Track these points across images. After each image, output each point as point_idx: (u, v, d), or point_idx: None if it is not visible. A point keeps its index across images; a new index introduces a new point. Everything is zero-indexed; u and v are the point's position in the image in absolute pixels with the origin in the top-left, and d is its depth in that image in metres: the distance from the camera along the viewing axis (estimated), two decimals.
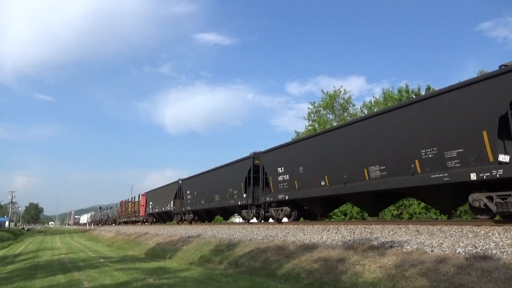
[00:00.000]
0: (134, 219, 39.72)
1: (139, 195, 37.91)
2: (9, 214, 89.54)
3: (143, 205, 35.92)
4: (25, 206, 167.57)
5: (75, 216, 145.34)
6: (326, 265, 7.35)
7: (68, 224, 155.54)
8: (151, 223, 33.77)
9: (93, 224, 72.68)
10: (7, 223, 76.49)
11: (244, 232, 13.16)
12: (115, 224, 49.88)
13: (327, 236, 9.45)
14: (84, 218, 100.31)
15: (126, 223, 44.35)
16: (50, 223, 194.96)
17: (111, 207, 63.47)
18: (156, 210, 30.99)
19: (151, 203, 33.10)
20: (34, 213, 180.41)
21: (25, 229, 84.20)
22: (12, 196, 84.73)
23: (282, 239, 10.44)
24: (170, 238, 17.41)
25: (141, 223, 37.16)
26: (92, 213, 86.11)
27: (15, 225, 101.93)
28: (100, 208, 79.87)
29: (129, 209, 42.19)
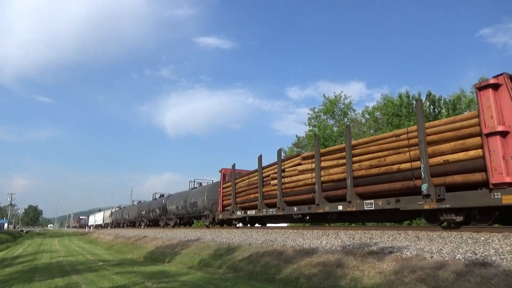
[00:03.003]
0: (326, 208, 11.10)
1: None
2: (8, 216, 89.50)
3: None
4: (24, 209, 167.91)
5: (81, 217, 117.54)
6: (325, 270, 7.33)
7: (67, 227, 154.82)
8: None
9: (125, 226, 43.61)
10: (6, 225, 76.40)
11: (243, 237, 13.14)
12: (210, 226, 21.68)
13: (327, 241, 9.43)
14: (97, 218, 67.83)
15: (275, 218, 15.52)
16: (49, 225, 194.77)
17: (162, 195, 34.51)
18: None
19: None
20: (33, 216, 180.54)
21: (24, 231, 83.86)
22: (11, 198, 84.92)
23: (282, 243, 10.42)
24: (169, 242, 17.38)
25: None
26: (114, 209, 54.03)
27: (14, 227, 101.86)
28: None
29: (271, 182, 13.92)
